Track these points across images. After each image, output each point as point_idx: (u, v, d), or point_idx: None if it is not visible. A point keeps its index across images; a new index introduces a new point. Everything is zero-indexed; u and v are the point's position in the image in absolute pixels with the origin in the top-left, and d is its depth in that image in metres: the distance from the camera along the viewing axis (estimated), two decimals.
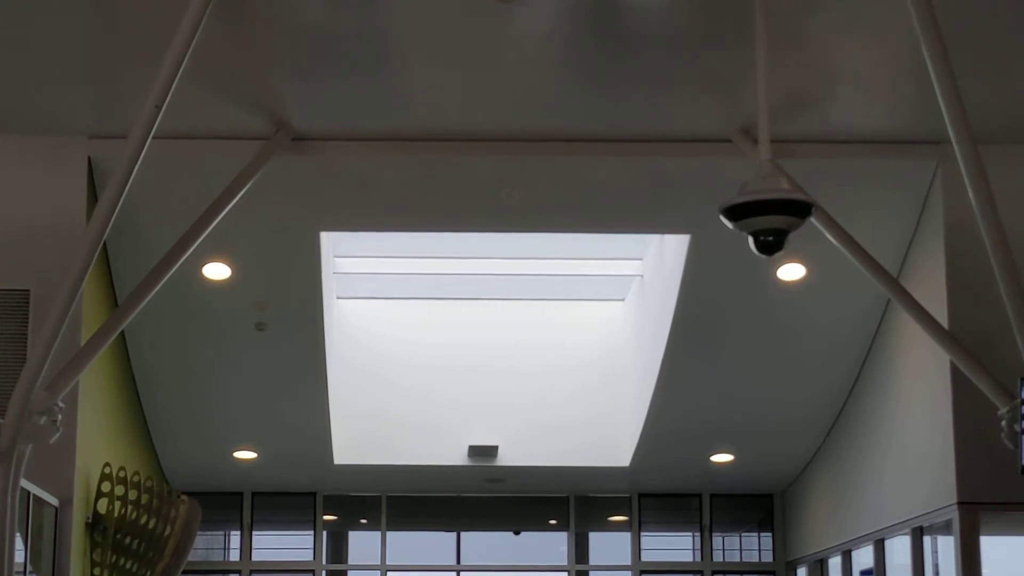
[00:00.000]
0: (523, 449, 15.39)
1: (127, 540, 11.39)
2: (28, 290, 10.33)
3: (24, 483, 8.75)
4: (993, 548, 10.75)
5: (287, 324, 12.70)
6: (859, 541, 13.52)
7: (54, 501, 10.33)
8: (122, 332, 11.50)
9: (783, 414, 14.20)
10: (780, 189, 7.15)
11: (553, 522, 16.90)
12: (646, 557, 16.56)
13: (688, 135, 10.41)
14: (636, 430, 14.70)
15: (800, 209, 7.10)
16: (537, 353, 15.47)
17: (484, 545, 16.95)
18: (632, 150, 10.57)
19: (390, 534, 16.54)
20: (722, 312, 12.62)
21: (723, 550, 16.86)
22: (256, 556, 16.33)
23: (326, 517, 16.52)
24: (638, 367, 14.55)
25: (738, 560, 16.94)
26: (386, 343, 15.40)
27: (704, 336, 12.95)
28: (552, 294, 15.58)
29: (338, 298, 14.80)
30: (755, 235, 7.15)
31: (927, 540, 11.69)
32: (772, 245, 7.17)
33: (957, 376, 10.18)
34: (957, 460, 10.59)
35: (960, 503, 10.56)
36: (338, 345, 14.33)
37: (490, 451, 15.25)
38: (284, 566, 16.37)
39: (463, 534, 16.81)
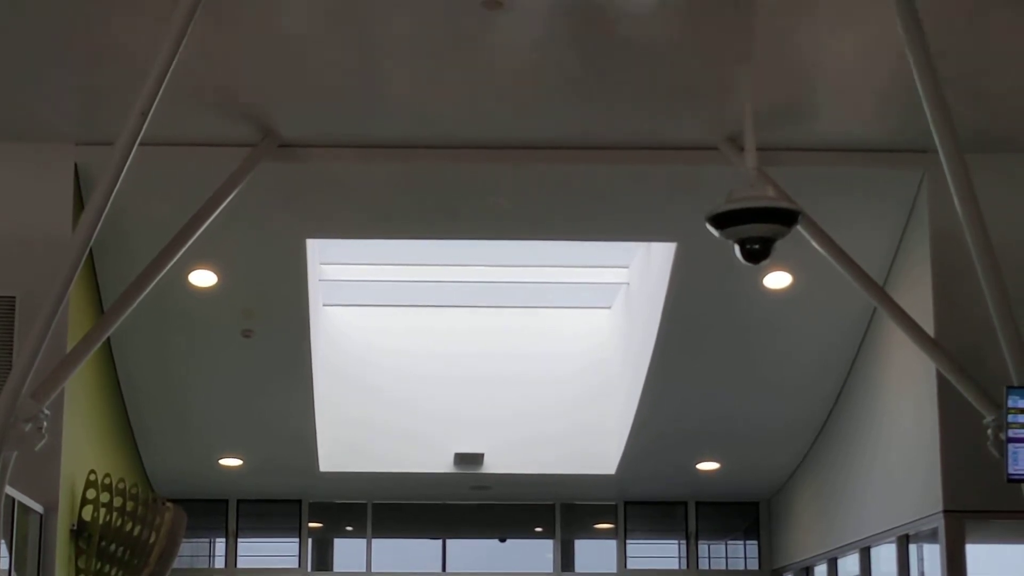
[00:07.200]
0: (509, 457, 15.37)
1: (112, 547, 11.37)
2: (14, 297, 10.30)
3: (9, 490, 8.73)
4: (979, 556, 10.75)
5: (273, 331, 12.67)
6: (845, 549, 13.52)
7: (39, 508, 10.30)
8: (108, 339, 11.44)
9: (769, 422, 14.20)
10: (766, 197, 7.17)
11: (539, 530, 16.88)
12: (632, 565, 16.55)
13: (675, 143, 10.41)
14: (622, 438, 14.69)
15: (786, 217, 7.12)
16: (523, 361, 15.45)
17: (470, 553, 16.92)
18: (618, 158, 10.57)
19: (376, 541, 16.51)
20: (708, 320, 12.62)
21: (709, 558, 16.85)
22: (241, 563, 16.28)
23: (311, 524, 16.49)
24: (624, 375, 14.54)
25: (724, 568, 16.93)
26: (372, 350, 15.38)
27: (690, 344, 12.95)
28: (538, 302, 15.56)
29: (324, 305, 14.77)
30: (741, 243, 7.17)
31: (913, 548, 11.70)
32: (758, 253, 7.19)
33: (943, 384, 10.19)
34: (943, 468, 10.61)
35: (946, 511, 10.57)
36: (324, 352, 14.30)
37: (476, 459, 15.23)
38: (269, 574, 16.32)
39: (449, 541, 16.79)
